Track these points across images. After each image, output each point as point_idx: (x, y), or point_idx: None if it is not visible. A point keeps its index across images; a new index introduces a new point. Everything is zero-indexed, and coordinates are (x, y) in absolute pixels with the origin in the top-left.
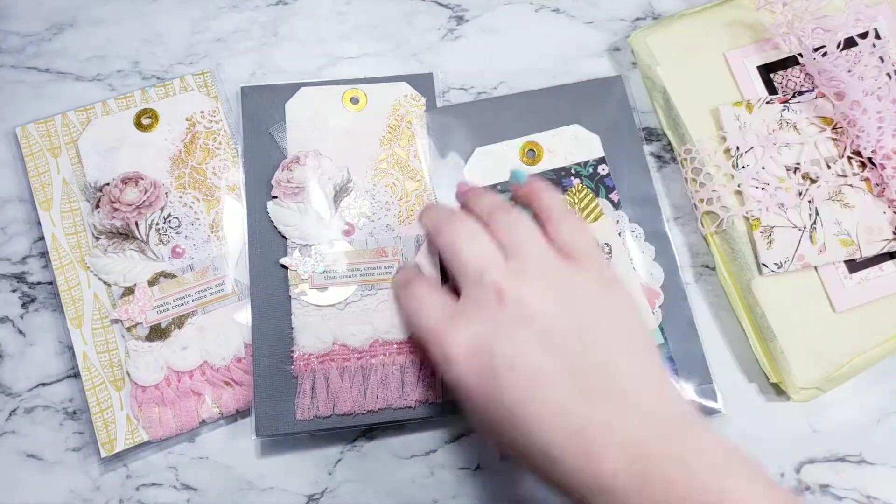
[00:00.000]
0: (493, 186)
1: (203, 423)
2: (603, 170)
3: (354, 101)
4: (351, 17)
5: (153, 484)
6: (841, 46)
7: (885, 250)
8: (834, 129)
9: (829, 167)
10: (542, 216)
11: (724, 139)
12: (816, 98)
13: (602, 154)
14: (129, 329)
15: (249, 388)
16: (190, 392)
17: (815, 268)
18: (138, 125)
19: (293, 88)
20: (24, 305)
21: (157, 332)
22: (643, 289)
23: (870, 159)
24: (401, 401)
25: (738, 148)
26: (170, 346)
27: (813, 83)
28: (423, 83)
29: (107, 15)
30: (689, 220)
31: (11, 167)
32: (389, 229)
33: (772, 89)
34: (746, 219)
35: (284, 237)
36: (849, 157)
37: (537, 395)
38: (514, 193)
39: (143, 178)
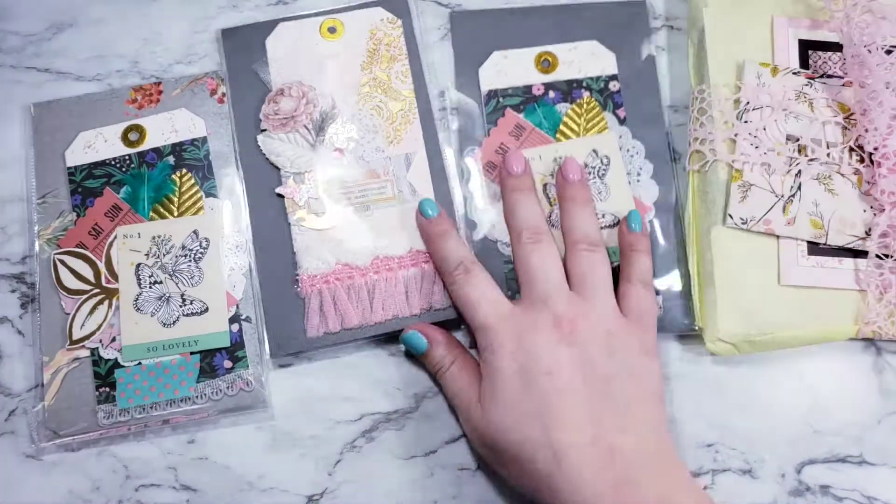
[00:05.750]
0: (505, 91)
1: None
2: (614, 86)
3: (332, 30)
4: None
5: (153, 484)
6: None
7: (850, 245)
8: (847, 118)
9: (828, 150)
10: (626, 271)
11: (739, 90)
12: (843, 85)
13: (615, 72)
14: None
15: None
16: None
17: (777, 237)
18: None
19: (272, 25)
20: (23, 305)
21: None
22: (636, 203)
23: (870, 155)
24: (407, 310)
25: (748, 102)
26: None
27: (846, 72)
28: (397, 6)
29: (107, 15)
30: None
31: (12, 166)
32: (379, 151)
33: (805, 65)
34: (730, 167)
35: (277, 167)
36: (850, 148)
37: (563, 402)
38: (620, 231)
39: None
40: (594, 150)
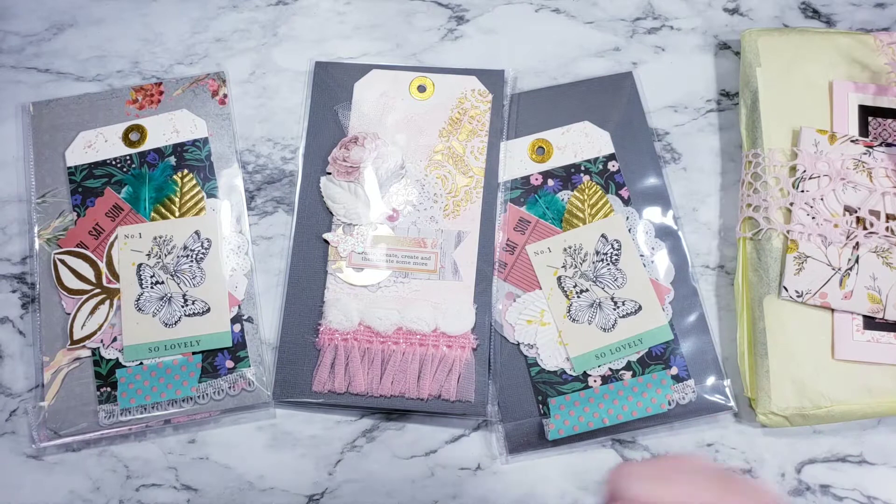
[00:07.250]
0: (504, 184)
1: None
2: (613, 166)
3: (421, 89)
4: (351, 16)
5: (153, 484)
6: None
7: None
8: None
9: (887, 222)
10: None
11: (795, 157)
12: None
13: (612, 150)
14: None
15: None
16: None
17: (832, 310)
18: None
19: (364, 69)
20: (24, 305)
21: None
22: (653, 285)
23: None
24: (414, 391)
25: (804, 170)
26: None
27: None
28: (492, 79)
29: (107, 15)
30: (688, 221)
31: (11, 166)
32: (433, 221)
33: (864, 132)
34: (785, 237)
35: (331, 213)
36: None
37: None
38: None
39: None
40: (603, 236)
